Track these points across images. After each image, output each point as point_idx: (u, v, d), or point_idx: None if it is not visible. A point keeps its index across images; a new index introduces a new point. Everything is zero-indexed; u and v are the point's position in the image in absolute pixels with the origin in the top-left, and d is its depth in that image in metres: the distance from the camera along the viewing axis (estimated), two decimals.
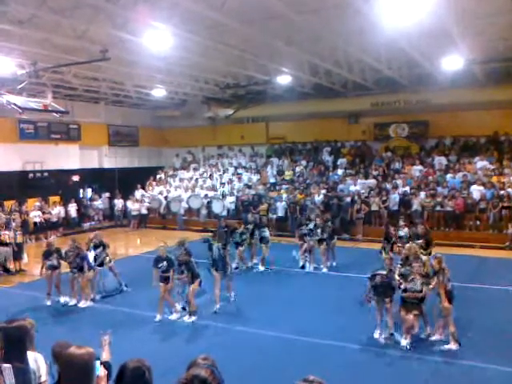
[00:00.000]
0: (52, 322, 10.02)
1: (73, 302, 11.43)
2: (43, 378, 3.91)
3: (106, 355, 4.00)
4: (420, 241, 12.00)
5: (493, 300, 11.11)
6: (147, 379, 3.02)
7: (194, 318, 10.03)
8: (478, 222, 18.30)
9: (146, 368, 3.05)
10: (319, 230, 14.16)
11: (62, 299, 11.52)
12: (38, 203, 21.25)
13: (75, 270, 11.35)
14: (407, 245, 10.80)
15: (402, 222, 13.97)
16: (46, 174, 22.73)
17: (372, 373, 7.54)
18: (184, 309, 10.37)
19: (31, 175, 22.17)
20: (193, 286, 10.00)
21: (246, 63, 16.90)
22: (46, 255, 11.67)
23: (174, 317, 10.21)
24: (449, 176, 20.16)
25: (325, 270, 14.09)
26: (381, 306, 8.87)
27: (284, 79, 18.62)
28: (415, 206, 19.07)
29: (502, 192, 18.13)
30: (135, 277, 12.67)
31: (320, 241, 14.12)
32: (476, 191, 18.64)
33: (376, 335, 8.86)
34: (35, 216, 20.59)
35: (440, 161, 21.34)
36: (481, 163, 20.28)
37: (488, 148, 21.17)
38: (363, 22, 11.40)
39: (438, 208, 18.79)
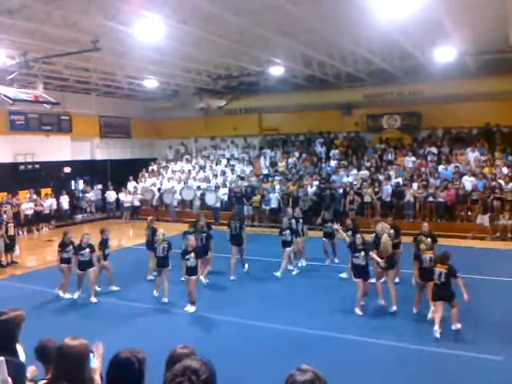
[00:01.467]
0: (45, 314, 9.98)
1: (76, 295, 11.21)
2: None
3: (97, 364, 3.81)
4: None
5: (484, 290, 11.19)
6: (138, 370, 3.00)
7: (193, 309, 10.14)
8: (470, 213, 18.43)
9: (138, 359, 3.03)
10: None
11: (68, 295, 11.26)
12: (28, 195, 21.12)
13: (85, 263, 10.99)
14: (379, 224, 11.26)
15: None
16: (37, 166, 22.60)
17: (361, 363, 7.62)
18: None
19: (22, 167, 22.03)
20: (195, 277, 10.17)
21: (238, 54, 16.82)
22: (63, 247, 11.24)
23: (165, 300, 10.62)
24: (441, 167, 20.25)
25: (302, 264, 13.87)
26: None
27: (277, 70, 18.54)
28: (407, 197, 19.16)
29: (493, 183, 18.24)
30: (129, 269, 12.68)
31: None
32: (468, 182, 18.75)
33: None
34: (27, 208, 20.50)
35: (432, 152, 21.42)
36: (472, 154, 20.39)
37: (479, 139, 21.27)
38: (357, 13, 11.38)
39: (431, 199, 18.89)
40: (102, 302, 10.97)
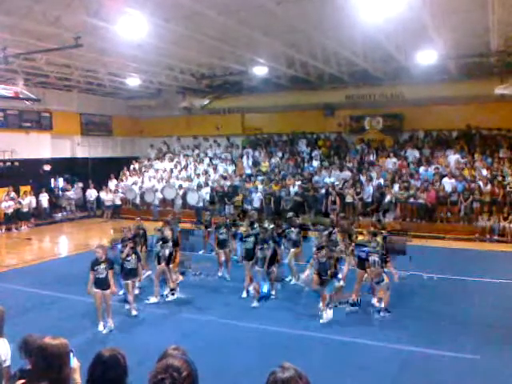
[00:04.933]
0: (23, 313, 9.81)
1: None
2: (7, 363, 3.85)
3: (77, 364, 3.68)
4: None
5: (463, 290, 11.36)
6: (123, 367, 3.01)
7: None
8: (449, 214, 18.68)
9: (122, 356, 3.04)
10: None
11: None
12: (6, 193, 20.74)
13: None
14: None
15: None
16: (16, 164, 22.27)
17: (343, 364, 7.66)
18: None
19: (1, 164, 21.69)
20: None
21: (222, 53, 16.78)
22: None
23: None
24: (422, 169, 20.49)
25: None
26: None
27: (260, 70, 18.55)
28: (388, 198, 19.33)
29: (472, 185, 18.51)
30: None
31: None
32: (448, 184, 18.99)
33: None
34: (6, 206, 20.18)
35: (413, 154, 21.66)
36: (453, 156, 20.66)
37: (459, 142, 21.56)
38: (341, 14, 11.44)
39: (411, 200, 19.08)
40: (84, 301, 10.85)
